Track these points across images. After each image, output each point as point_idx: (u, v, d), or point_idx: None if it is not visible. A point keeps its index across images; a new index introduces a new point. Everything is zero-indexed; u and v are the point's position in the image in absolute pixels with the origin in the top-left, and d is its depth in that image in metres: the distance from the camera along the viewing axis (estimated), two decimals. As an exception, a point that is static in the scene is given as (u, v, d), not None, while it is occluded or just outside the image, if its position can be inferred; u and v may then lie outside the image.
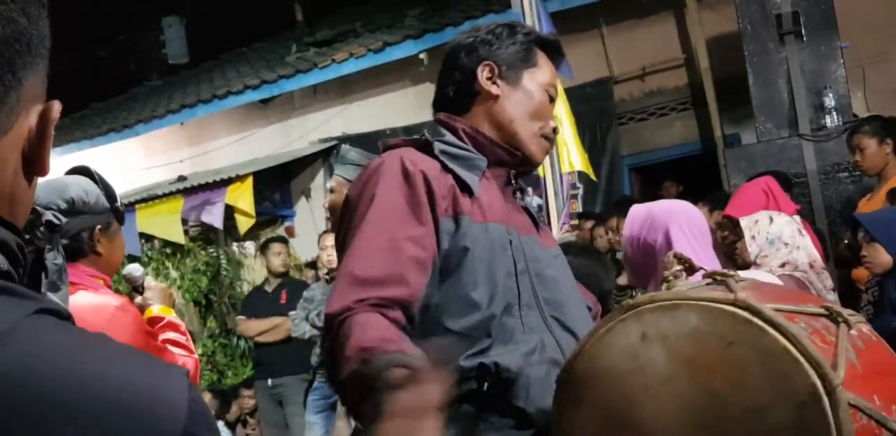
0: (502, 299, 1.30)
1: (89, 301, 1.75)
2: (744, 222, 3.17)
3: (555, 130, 1.52)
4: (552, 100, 1.52)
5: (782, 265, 3.07)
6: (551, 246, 1.53)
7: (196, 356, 1.99)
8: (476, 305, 1.27)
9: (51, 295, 1.55)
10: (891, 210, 3.20)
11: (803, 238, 3.16)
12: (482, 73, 1.47)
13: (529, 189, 1.73)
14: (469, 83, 1.48)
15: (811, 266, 3.06)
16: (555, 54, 1.57)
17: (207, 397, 5.92)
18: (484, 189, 1.40)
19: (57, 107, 0.65)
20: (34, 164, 0.64)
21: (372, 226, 1.28)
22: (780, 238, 3.08)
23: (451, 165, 1.37)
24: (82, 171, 1.94)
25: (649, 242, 1.96)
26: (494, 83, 1.48)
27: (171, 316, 2.05)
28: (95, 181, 1.92)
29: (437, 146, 1.40)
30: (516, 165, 1.49)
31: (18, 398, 0.48)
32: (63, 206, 1.80)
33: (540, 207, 4.19)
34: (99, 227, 1.91)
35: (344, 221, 1.36)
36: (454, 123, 1.47)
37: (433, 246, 1.30)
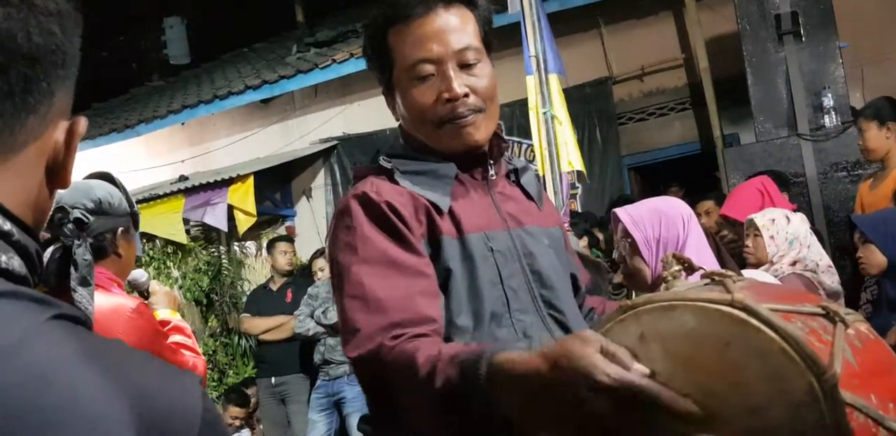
0: (490, 313, 1.25)
1: (106, 303, 1.79)
2: (759, 221, 3.17)
3: (454, 99, 1.28)
4: (434, 62, 1.29)
5: (793, 263, 3.08)
6: (551, 226, 1.45)
7: (203, 357, 2.05)
8: (463, 330, 1.23)
9: (81, 289, 1.59)
10: (886, 211, 3.23)
11: (813, 237, 3.17)
12: (389, 106, 1.41)
13: (527, 164, 1.52)
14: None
15: (817, 265, 3.08)
16: (409, 11, 1.29)
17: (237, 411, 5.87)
18: (460, 196, 1.33)
19: (83, 122, 0.66)
20: (57, 176, 0.66)
21: (369, 272, 1.20)
22: (797, 238, 3.10)
23: (414, 188, 1.30)
24: (103, 176, 1.99)
25: (671, 239, 1.88)
26: (393, 109, 1.40)
27: (177, 318, 2.11)
28: (117, 186, 1.97)
29: (398, 169, 1.33)
30: (482, 155, 1.37)
31: (33, 407, 0.48)
32: (90, 205, 1.84)
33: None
34: (121, 229, 1.96)
35: (334, 268, 1.28)
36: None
37: (433, 271, 1.24)
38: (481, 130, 1.32)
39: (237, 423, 5.67)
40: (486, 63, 1.34)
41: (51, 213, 1.70)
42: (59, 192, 2.07)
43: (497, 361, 0.93)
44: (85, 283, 1.61)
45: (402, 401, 1.11)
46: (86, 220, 1.69)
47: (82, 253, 1.63)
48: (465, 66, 1.30)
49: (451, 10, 1.30)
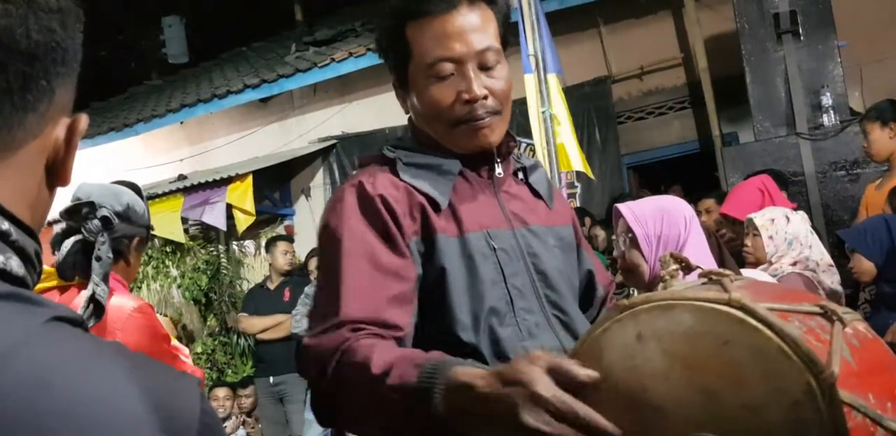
0: (490, 312, 1.24)
1: (110, 301, 1.79)
2: (758, 221, 3.18)
3: (473, 100, 1.27)
4: (455, 61, 1.27)
5: (794, 263, 3.08)
6: (560, 225, 1.44)
7: (201, 371, 2.08)
8: (462, 328, 1.23)
9: (103, 285, 1.60)
10: (866, 222, 3.37)
11: (814, 236, 3.18)
12: (398, 97, 1.39)
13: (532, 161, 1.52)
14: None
15: (818, 264, 3.09)
16: (432, 6, 1.27)
17: (223, 391, 5.86)
18: (463, 194, 1.32)
19: (84, 119, 0.66)
20: (58, 174, 0.65)
21: (347, 265, 1.20)
22: (797, 238, 3.10)
23: (414, 182, 1.29)
24: (131, 186, 2.01)
25: (672, 236, 1.88)
26: (403, 101, 1.38)
27: (174, 343, 2.13)
28: (142, 198, 2.00)
29: (401, 160, 1.32)
30: (489, 153, 1.35)
31: (31, 411, 0.48)
32: (118, 208, 1.86)
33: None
34: (138, 238, 1.99)
35: (319, 255, 1.31)
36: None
37: (413, 274, 1.23)
38: (496, 132, 1.32)
39: (225, 405, 5.62)
40: (504, 65, 1.33)
41: (78, 204, 1.73)
42: (90, 189, 2.07)
43: (454, 372, 0.94)
44: (106, 279, 1.62)
45: (344, 398, 1.11)
46: (113, 220, 1.70)
47: (106, 250, 1.65)
48: (484, 68, 1.29)
49: (473, 8, 1.29)
